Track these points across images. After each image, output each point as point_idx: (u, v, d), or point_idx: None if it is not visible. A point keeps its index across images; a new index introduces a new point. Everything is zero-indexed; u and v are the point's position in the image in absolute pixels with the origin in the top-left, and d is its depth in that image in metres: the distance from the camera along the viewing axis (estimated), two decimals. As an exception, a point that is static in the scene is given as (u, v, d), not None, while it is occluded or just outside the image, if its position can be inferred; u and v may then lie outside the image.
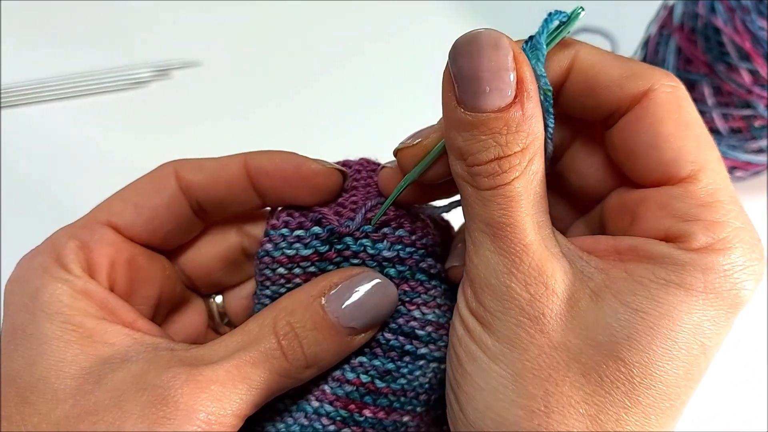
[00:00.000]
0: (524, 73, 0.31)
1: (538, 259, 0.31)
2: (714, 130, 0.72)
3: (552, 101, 0.33)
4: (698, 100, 0.71)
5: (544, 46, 0.32)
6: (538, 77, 0.32)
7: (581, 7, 0.32)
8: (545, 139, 0.33)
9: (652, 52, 0.75)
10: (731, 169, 0.75)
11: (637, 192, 0.34)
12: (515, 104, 0.30)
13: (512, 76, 0.30)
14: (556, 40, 0.33)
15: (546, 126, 0.33)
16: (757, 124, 0.70)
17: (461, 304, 0.35)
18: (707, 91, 0.70)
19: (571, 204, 0.40)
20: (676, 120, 0.32)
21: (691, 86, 0.71)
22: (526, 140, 0.31)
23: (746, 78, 0.67)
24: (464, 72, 0.31)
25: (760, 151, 0.72)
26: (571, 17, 0.32)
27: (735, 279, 0.30)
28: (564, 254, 0.33)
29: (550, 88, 0.33)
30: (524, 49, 0.32)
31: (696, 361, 0.31)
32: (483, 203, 0.32)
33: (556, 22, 0.33)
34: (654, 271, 0.31)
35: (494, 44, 0.31)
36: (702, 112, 0.71)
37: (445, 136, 0.33)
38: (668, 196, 0.32)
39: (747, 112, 0.69)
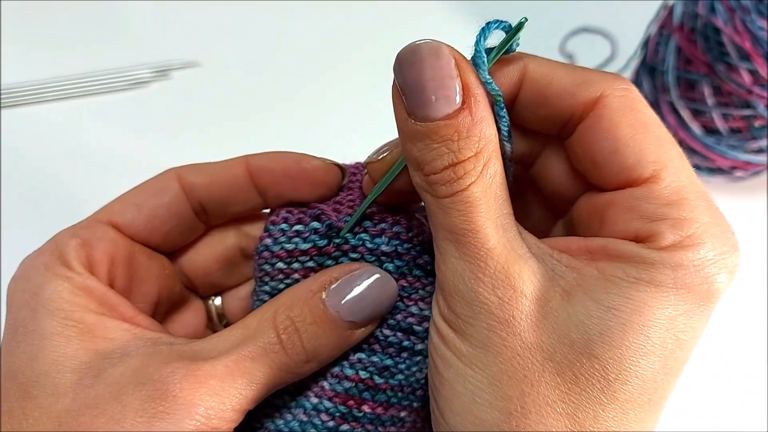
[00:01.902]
0: (469, 78, 0.31)
1: (503, 262, 0.31)
2: (714, 130, 0.72)
3: (503, 105, 0.33)
4: (698, 100, 0.71)
5: (484, 54, 0.33)
6: (484, 83, 0.32)
7: (525, 18, 0.32)
8: (501, 142, 0.33)
9: (652, 52, 0.75)
10: (731, 169, 0.75)
11: (604, 195, 0.34)
12: (463, 110, 0.31)
13: (457, 84, 0.31)
14: (503, 50, 0.33)
15: (500, 129, 0.33)
16: (757, 124, 0.70)
17: (435, 313, 0.35)
18: (707, 91, 0.70)
19: (550, 207, 0.41)
20: (633, 123, 0.32)
21: (691, 86, 0.71)
22: (479, 144, 0.31)
23: (746, 78, 0.67)
24: (409, 83, 0.31)
25: (760, 151, 0.72)
26: (516, 27, 0.33)
27: (706, 273, 0.31)
28: (534, 254, 0.33)
29: (500, 92, 0.33)
30: (472, 58, 0.33)
31: (672, 355, 0.31)
32: (443, 211, 0.32)
33: (501, 33, 0.33)
34: (625, 270, 0.31)
35: (435, 53, 0.31)
36: (702, 112, 0.71)
37: (402, 149, 0.34)
38: (634, 197, 0.32)
39: (747, 112, 0.69)
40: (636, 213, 0.32)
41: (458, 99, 0.31)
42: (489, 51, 0.33)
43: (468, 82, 0.31)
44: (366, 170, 0.39)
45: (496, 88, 0.33)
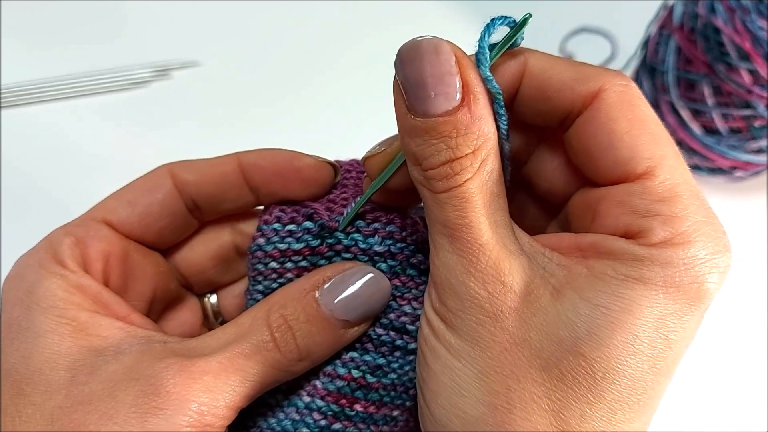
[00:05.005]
0: (469, 76, 0.31)
1: (495, 257, 0.32)
2: (714, 130, 0.72)
3: (503, 103, 0.33)
4: (698, 100, 0.71)
5: (487, 51, 0.32)
6: (485, 81, 0.32)
7: (529, 14, 0.32)
8: (500, 140, 0.33)
9: (652, 52, 0.75)
10: (731, 169, 0.75)
11: (598, 190, 0.34)
12: (462, 107, 0.31)
13: (457, 80, 0.31)
14: (507, 46, 0.33)
15: (498, 127, 0.33)
16: (757, 124, 0.70)
17: (427, 305, 0.35)
18: (707, 91, 0.70)
19: (545, 206, 0.41)
20: (630, 118, 0.32)
21: (691, 86, 0.71)
22: (477, 142, 0.31)
23: (746, 78, 0.67)
24: (410, 79, 0.31)
25: (760, 151, 0.72)
26: (520, 23, 0.32)
27: (696, 272, 0.30)
28: (525, 252, 0.33)
29: (500, 90, 0.33)
30: (474, 55, 0.33)
31: (661, 355, 0.31)
32: (439, 206, 0.32)
33: (506, 29, 0.33)
34: (614, 267, 0.31)
35: (434, 50, 0.31)
36: (702, 112, 0.71)
37: (401, 144, 0.34)
38: (626, 193, 0.32)
39: (747, 112, 0.69)
40: (627, 208, 0.32)
41: (458, 96, 0.31)
42: (493, 47, 0.33)
43: (468, 80, 0.31)
44: (364, 165, 0.39)
45: (497, 86, 0.33)
